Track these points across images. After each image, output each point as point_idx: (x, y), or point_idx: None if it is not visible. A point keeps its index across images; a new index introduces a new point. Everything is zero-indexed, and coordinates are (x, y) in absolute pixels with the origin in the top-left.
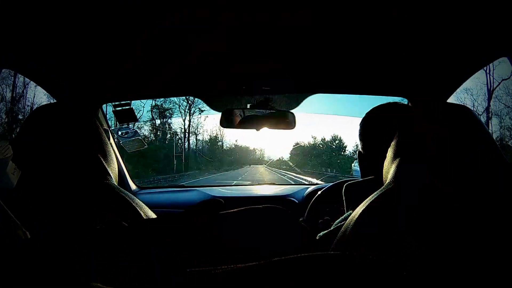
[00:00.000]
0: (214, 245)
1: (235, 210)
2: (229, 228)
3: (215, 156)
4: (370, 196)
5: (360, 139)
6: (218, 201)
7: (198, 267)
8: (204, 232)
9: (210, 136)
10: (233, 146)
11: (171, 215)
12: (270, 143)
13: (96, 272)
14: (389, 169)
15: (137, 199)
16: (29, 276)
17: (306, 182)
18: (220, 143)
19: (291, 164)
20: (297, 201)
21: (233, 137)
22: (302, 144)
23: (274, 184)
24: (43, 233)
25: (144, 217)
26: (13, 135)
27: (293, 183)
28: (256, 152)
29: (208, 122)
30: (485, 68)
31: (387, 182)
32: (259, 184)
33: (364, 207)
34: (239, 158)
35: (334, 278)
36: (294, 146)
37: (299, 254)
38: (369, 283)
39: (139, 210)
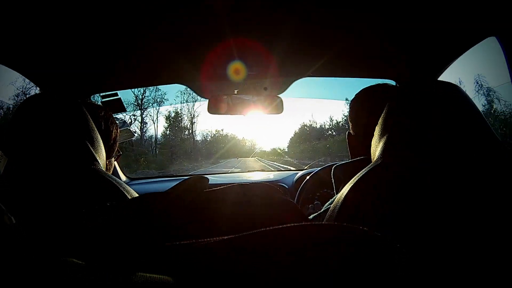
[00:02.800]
0: (201, 220)
1: (221, 187)
2: (215, 203)
3: (178, 148)
4: (358, 174)
5: (350, 120)
6: (203, 177)
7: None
8: (190, 208)
9: (169, 117)
10: (213, 135)
11: (155, 193)
12: (262, 133)
13: (75, 250)
14: (377, 146)
15: (125, 184)
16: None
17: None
18: (180, 121)
19: (284, 154)
20: (287, 187)
21: (215, 125)
22: (313, 125)
23: (263, 170)
24: (28, 218)
25: None
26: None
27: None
28: (245, 143)
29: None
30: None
31: (375, 159)
32: (249, 171)
33: (352, 185)
34: (226, 150)
35: (323, 248)
36: (300, 127)
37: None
38: (360, 253)
39: (126, 195)
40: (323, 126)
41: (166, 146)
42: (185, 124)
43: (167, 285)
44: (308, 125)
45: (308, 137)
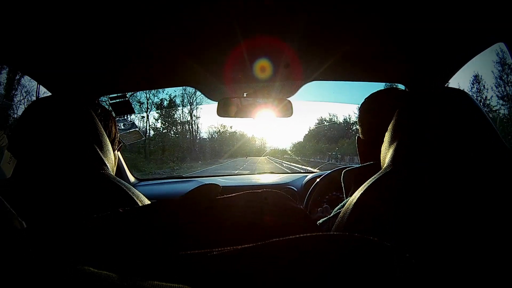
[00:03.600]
0: (213, 228)
1: (233, 194)
2: (228, 211)
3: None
4: (369, 180)
5: (359, 124)
6: (215, 185)
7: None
8: (203, 216)
9: (160, 106)
10: (218, 132)
11: (168, 200)
12: (273, 131)
13: (89, 257)
14: (387, 152)
15: (133, 188)
16: (21, 264)
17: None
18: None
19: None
20: (296, 189)
21: (221, 121)
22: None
23: (273, 173)
24: (38, 222)
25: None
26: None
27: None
28: (255, 142)
29: None
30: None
31: (385, 165)
32: (258, 173)
33: (362, 191)
34: (235, 149)
35: (334, 259)
36: (316, 125)
37: (299, 235)
38: (370, 264)
39: (135, 199)
40: (348, 120)
41: (157, 143)
42: (184, 118)
43: None
44: (327, 119)
45: (328, 134)
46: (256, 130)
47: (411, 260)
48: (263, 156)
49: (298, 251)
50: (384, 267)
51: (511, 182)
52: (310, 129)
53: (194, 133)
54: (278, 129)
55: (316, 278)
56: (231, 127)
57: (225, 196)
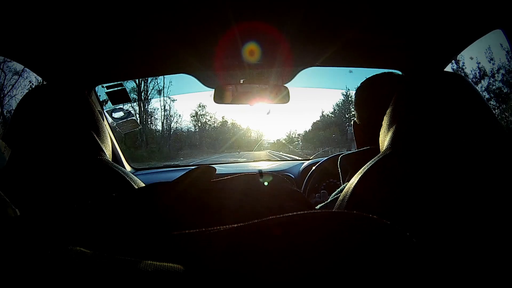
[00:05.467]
0: (208, 209)
1: (230, 177)
2: (223, 193)
3: None
4: (367, 163)
5: (356, 109)
6: (210, 167)
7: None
8: (197, 197)
9: None
10: (196, 116)
11: (162, 183)
12: (269, 123)
13: (81, 239)
14: (385, 136)
15: (131, 174)
16: (13, 250)
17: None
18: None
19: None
20: (293, 176)
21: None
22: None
23: (269, 160)
24: (34, 210)
25: None
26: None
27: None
28: (250, 134)
29: None
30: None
31: (384, 149)
32: (254, 161)
33: (361, 175)
34: (215, 140)
35: (333, 235)
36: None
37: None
38: (370, 241)
39: (133, 184)
40: None
41: None
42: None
43: (178, 274)
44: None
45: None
46: (252, 121)
47: (412, 239)
48: (257, 150)
49: (297, 227)
50: (384, 244)
51: (508, 163)
52: (323, 114)
53: (144, 116)
54: (276, 118)
55: (316, 254)
56: (223, 118)
57: (221, 178)
